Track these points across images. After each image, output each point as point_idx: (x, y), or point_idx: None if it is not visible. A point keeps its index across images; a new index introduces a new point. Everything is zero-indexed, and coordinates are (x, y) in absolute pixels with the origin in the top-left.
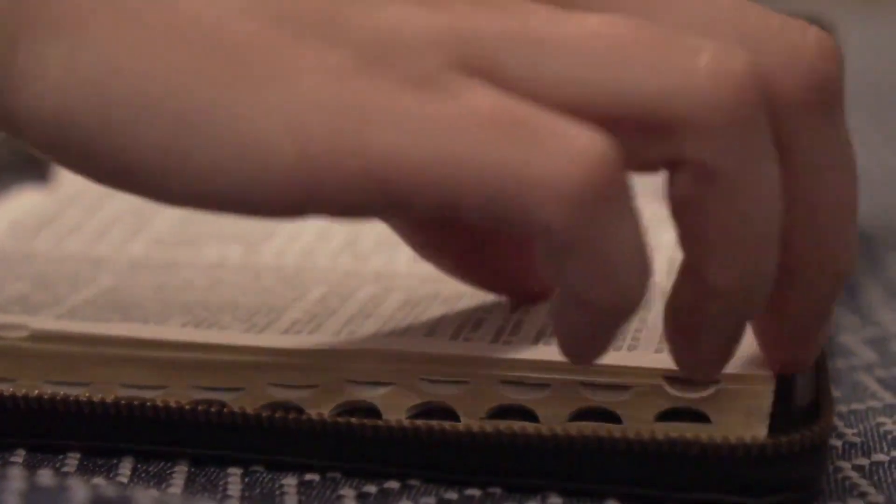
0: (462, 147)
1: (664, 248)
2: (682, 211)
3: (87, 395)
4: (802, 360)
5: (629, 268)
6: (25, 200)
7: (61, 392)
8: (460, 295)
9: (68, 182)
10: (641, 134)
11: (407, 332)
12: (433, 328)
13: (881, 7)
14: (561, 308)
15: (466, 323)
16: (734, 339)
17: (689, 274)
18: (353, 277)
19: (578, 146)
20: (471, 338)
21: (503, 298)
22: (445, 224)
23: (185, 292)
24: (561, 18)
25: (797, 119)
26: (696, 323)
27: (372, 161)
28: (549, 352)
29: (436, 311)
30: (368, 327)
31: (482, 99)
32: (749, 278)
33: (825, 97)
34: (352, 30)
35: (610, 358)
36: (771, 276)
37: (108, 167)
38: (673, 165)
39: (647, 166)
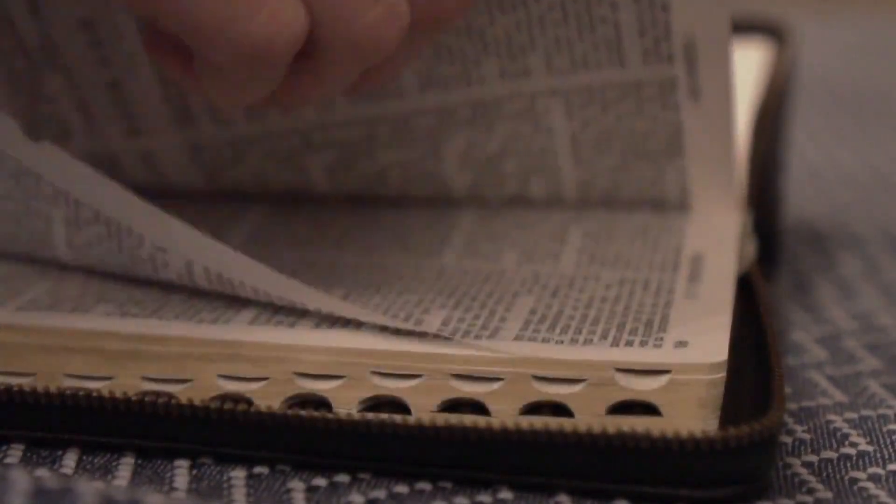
0: None
1: (572, 241)
2: None
3: (31, 385)
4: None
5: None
6: None
7: (4, 382)
8: (400, 291)
9: None
10: None
11: (359, 325)
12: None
13: (835, 8)
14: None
15: (410, 317)
16: None
17: None
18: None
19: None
20: (423, 331)
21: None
22: None
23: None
24: None
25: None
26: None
27: None
28: (501, 346)
29: (378, 303)
30: (320, 320)
31: None
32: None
33: None
34: None
35: (562, 352)
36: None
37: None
38: None
39: None
